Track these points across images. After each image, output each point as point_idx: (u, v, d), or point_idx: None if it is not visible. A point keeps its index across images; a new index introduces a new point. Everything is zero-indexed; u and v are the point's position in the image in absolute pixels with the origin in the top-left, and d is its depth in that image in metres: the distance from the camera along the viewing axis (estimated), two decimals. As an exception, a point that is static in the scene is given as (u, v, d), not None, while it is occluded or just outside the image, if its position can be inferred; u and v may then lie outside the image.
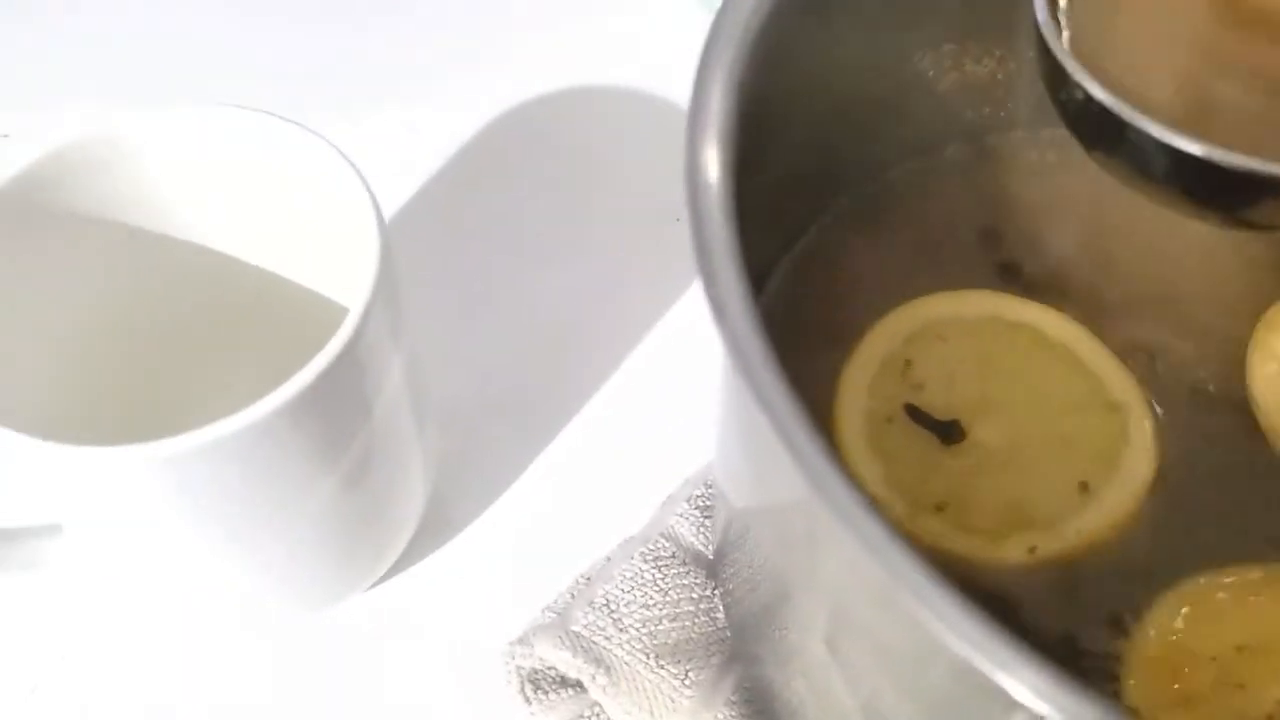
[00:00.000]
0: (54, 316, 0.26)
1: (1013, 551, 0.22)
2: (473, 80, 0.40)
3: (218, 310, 0.29)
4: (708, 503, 0.30)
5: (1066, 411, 0.24)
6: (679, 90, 0.39)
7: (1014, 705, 0.15)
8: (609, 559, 0.29)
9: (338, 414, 0.24)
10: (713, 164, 0.19)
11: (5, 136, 0.40)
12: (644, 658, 0.26)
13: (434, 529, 0.31)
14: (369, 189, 0.24)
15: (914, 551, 0.15)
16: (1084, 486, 0.23)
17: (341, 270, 0.26)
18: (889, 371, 0.24)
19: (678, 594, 0.28)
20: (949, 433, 0.24)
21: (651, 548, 0.29)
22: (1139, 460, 0.23)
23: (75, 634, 0.30)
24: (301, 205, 0.26)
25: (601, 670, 0.26)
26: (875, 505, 0.15)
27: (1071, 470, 0.23)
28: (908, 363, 0.24)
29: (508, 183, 0.38)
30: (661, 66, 0.40)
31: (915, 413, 0.24)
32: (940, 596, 0.14)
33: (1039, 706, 0.14)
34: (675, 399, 0.33)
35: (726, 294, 0.17)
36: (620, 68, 0.41)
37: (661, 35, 0.42)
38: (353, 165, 0.24)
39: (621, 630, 0.27)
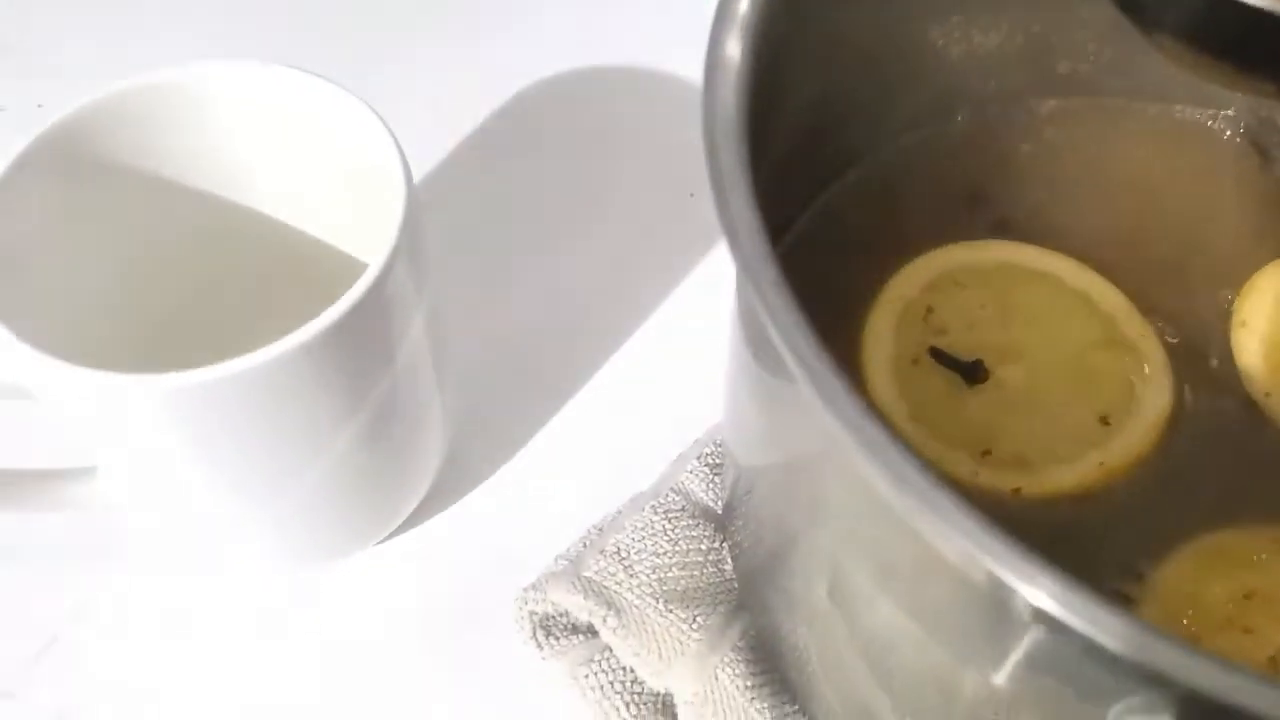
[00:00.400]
0: (96, 257, 0.27)
1: (1040, 484, 0.23)
2: (496, 55, 0.41)
3: (254, 259, 0.29)
4: (717, 460, 0.31)
5: (1084, 350, 0.25)
6: (696, 72, 0.41)
7: (1021, 612, 0.16)
8: (620, 511, 0.30)
9: (361, 357, 0.25)
10: (734, 46, 0.20)
11: (39, 107, 0.41)
12: (654, 602, 0.27)
13: (449, 485, 0.32)
14: (396, 141, 0.25)
15: (916, 455, 0.16)
16: (1105, 420, 0.24)
17: (372, 223, 0.27)
18: (911, 317, 0.25)
19: (687, 544, 0.29)
20: (973, 372, 0.25)
21: (662, 501, 0.29)
22: (1156, 395, 0.24)
23: (97, 583, 0.31)
24: (333, 159, 0.27)
25: (612, 613, 0.27)
26: (874, 408, 0.16)
27: (1092, 405, 0.24)
28: (929, 309, 0.25)
29: (528, 154, 0.39)
30: (681, 49, 0.41)
31: (939, 354, 0.25)
32: (945, 497, 0.15)
33: (1046, 604, 0.15)
34: (686, 363, 0.34)
35: (738, 215, 0.18)
36: (641, 48, 0.42)
37: (681, 17, 0.43)
38: (380, 118, 0.25)
39: (632, 576, 0.28)
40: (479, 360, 0.34)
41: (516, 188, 0.38)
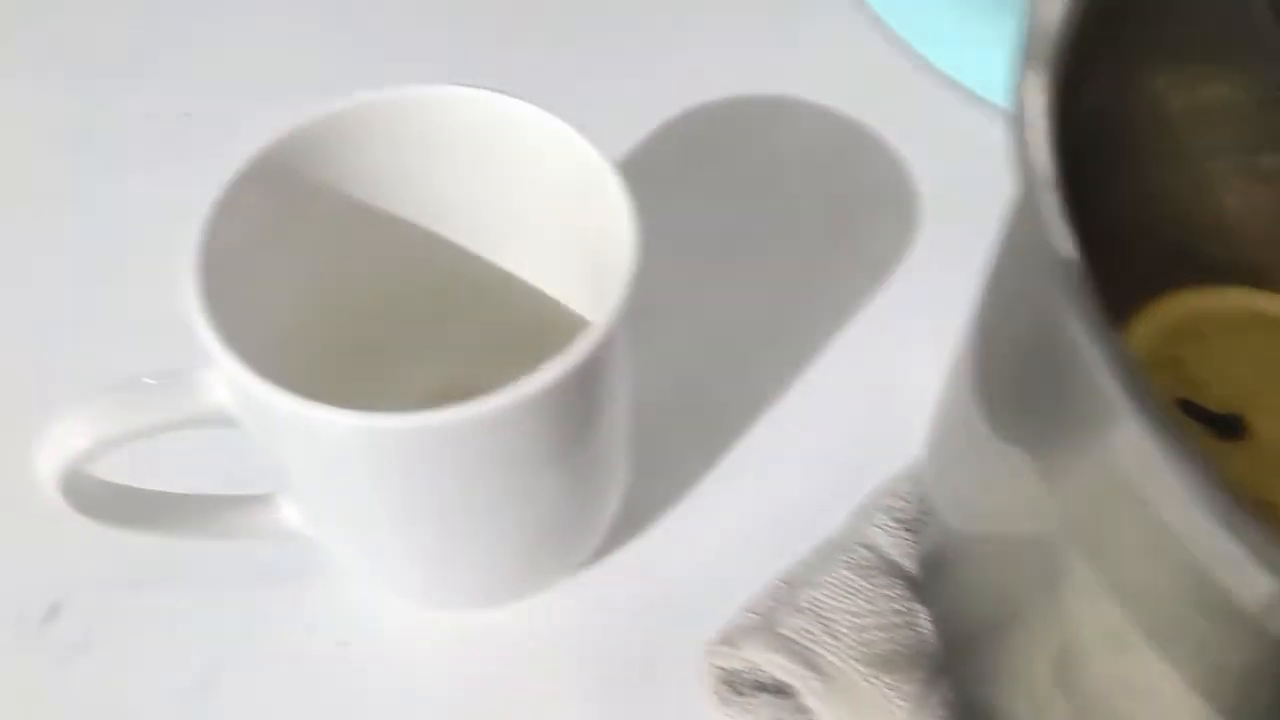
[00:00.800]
0: (298, 281, 0.26)
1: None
2: (661, 77, 0.41)
3: (456, 289, 0.29)
4: (907, 515, 0.29)
5: None
6: (856, 108, 0.40)
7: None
8: (806, 564, 0.29)
9: (573, 414, 0.24)
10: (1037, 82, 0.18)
11: (187, 115, 0.41)
12: (857, 665, 0.26)
13: (621, 526, 0.31)
14: (623, 185, 0.24)
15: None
16: None
17: (586, 266, 0.26)
18: (1155, 369, 0.24)
19: (884, 604, 0.27)
20: (1230, 428, 0.23)
21: (854, 557, 0.28)
22: None
23: (258, 613, 0.30)
24: (548, 194, 0.26)
25: (815, 675, 0.26)
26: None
27: None
28: (1176, 359, 0.24)
29: (694, 186, 0.38)
30: (842, 83, 0.41)
31: (1192, 408, 0.23)
32: None
33: None
34: (861, 404, 0.33)
35: (1066, 252, 0.17)
36: (799, 79, 0.41)
37: (842, 53, 0.42)
38: (608, 160, 0.24)
39: (834, 638, 0.26)
40: (650, 398, 0.32)
41: (681, 219, 0.37)
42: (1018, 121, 0.19)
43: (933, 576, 0.28)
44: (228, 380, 0.23)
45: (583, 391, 0.23)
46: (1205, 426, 0.24)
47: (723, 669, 0.27)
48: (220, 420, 0.24)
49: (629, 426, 0.27)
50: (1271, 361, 0.24)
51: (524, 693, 0.29)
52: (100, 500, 0.25)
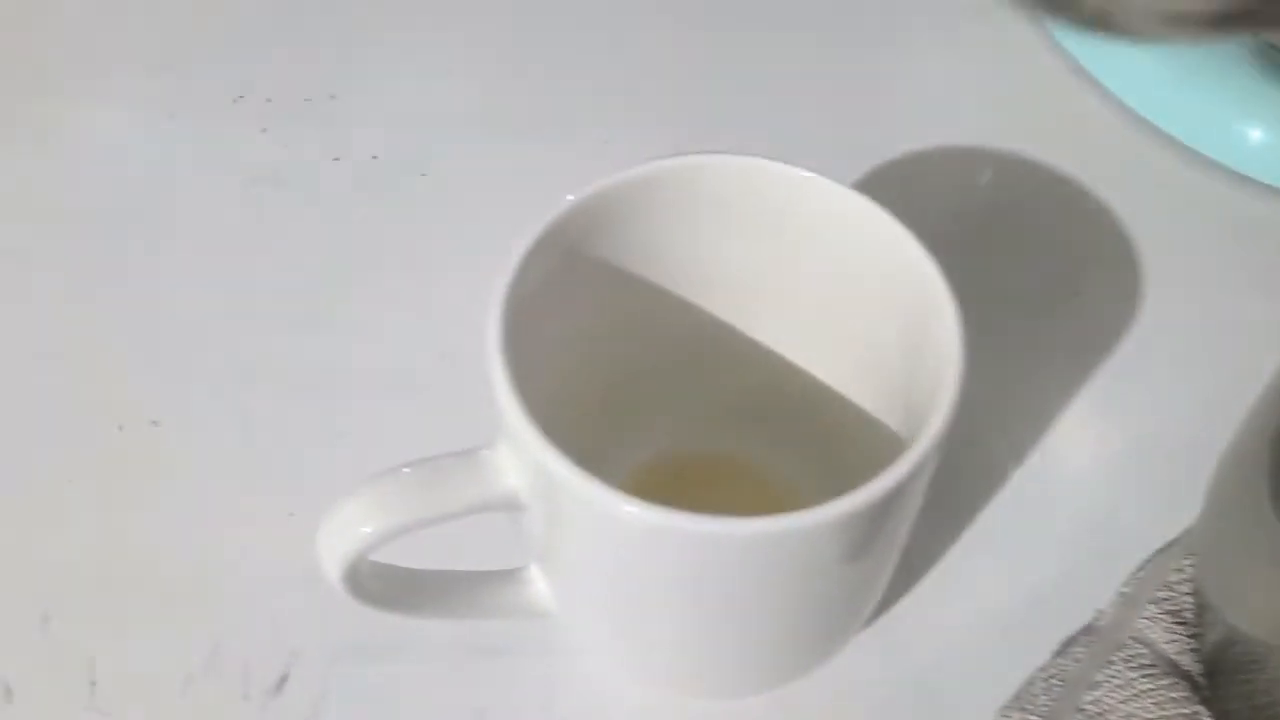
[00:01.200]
0: (568, 350, 0.25)
1: None
2: (857, 125, 0.40)
3: (696, 351, 0.28)
4: (1177, 607, 0.28)
5: None
6: (1061, 158, 0.38)
7: None
8: (1076, 659, 0.27)
9: (877, 526, 0.23)
10: None
11: (374, 159, 0.40)
12: (1156, 778, 0.25)
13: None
14: (943, 278, 0.23)
15: None
16: None
17: (881, 358, 0.24)
18: None
19: (1171, 708, 0.26)
20: None
21: (1132, 654, 0.27)
22: None
23: (505, 682, 0.29)
24: (845, 279, 0.25)
25: (1116, 788, 0.24)
26: None
27: None
28: None
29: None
30: (1042, 133, 0.39)
31: None
32: None
33: None
34: (1104, 479, 0.32)
35: None
36: (1011, 134, 0.39)
37: (1051, 106, 0.40)
38: (921, 244, 0.23)
39: (1130, 746, 0.25)
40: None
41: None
42: None
43: (1218, 679, 0.26)
44: (531, 466, 0.22)
45: (891, 507, 0.22)
46: None
47: (1003, 772, 0.26)
48: (509, 505, 0.23)
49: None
50: None
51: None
52: (375, 585, 0.24)
